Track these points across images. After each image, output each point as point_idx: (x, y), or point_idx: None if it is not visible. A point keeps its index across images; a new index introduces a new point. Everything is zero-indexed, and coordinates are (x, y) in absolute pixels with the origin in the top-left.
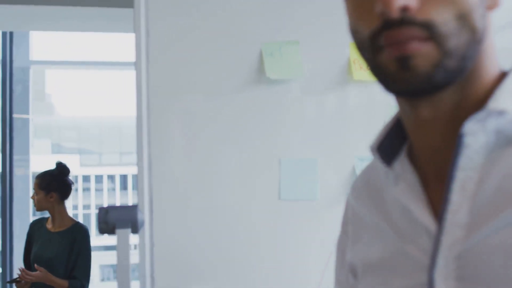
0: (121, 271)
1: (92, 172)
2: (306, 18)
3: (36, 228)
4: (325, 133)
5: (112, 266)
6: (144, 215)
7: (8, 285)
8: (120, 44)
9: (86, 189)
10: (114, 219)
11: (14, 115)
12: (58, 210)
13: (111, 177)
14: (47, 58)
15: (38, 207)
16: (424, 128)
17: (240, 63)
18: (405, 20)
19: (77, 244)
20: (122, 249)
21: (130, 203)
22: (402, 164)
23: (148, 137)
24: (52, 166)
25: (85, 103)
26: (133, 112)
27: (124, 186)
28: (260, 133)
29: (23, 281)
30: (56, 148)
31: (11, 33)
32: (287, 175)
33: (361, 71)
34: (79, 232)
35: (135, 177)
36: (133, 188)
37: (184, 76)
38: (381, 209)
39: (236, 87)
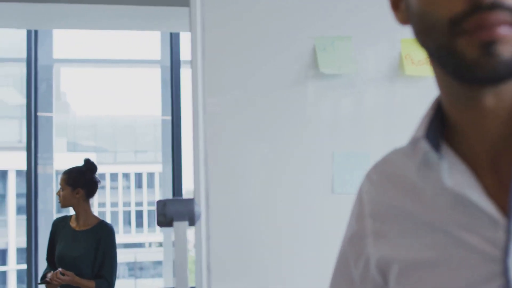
0: (179, 264)
1: (107, 170)
2: (358, 13)
3: (60, 226)
4: (377, 128)
5: (127, 264)
6: (201, 208)
7: (34, 283)
8: (137, 42)
9: (100, 187)
10: (172, 212)
11: (39, 114)
12: (83, 207)
13: (126, 175)
14: (63, 56)
15: (63, 203)
16: (485, 117)
17: (293, 58)
18: (495, 4)
19: (103, 243)
20: (179, 242)
21: (144, 201)
22: (446, 153)
23: (204, 133)
24: (69, 164)
25: (101, 102)
26: (148, 111)
27: (139, 185)
28: (314, 127)
29: (54, 282)
30: (72, 147)
31: (35, 32)
32: (340, 168)
33: (413, 66)
34: (104, 231)
35: (150, 175)
36: (148, 186)
37: (238, 72)
38: (418, 202)
39: (290, 82)
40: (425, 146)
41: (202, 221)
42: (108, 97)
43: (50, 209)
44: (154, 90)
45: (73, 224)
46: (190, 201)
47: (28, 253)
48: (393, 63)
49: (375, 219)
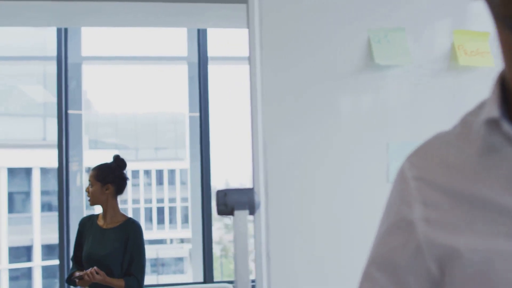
0: (239, 252)
1: (129, 167)
2: (411, 5)
3: (87, 225)
4: (431, 118)
5: (149, 260)
6: (260, 198)
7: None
8: (164, 39)
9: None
10: (232, 201)
11: (69, 111)
12: (111, 204)
13: (147, 172)
14: (90, 54)
15: (93, 200)
16: None
17: (348, 50)
18: None
19: (131, 241)
20: (240, 230)
21: (165, 198)
22: None
23: (263, 125)
24: (92, 161)
25: (122, 99)
26: (170, 108)
27: (160, 181)
28: (369, 117)
29: (86, 279)
30: (93, 144)
31: (65, 30)
32: (395, 158)
33: (466, 56)
34: (132, 228)
35: (170, 172)
36: (168, 183)
37: (294, 65)
38: (488, 186)
39: (345, 73)
40: (507, 127)
41: (261, 211)
42: (130, 94)
43: (81, 205)
44: (178, 87)
45: (100, 222)
46: (250, 191)
47: (60, 249)
48: (446, 53)
49: (427, 205)
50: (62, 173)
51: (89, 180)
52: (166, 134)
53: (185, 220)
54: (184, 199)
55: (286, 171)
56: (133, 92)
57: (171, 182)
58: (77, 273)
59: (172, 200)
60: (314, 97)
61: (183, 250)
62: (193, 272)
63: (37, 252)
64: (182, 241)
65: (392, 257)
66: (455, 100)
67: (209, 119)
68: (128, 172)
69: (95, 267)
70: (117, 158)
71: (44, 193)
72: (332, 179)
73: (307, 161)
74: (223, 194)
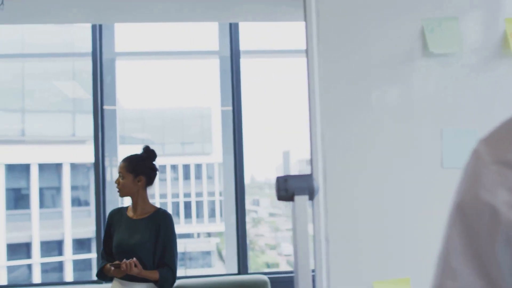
0: (300, 236)
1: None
2: None
3: (116, 217)
4: (484, 104)
5: None
6: (318, 184)
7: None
8: (194, 33)
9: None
10: (293, 187)
11: (105, 107)
12: (142, 196)
13: (174, 167)
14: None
15: (124, 192)
16: None
17: (402, 39)
18: None
19: (162, 231)
20: (300, 215)
21: (192, 193)
22: None
23: (320, 113)
24: (121, 156)
25: (149, 94)
26: (196, 103)
27: (186, 176)
28: (423, 104)
29: (122, 269)
30: (121, 139)
31: (100, 26)
32: (449, 144)
33: None
34: (163, 218)
35: (197, 166)
36: (195, 178)
37: (350, 56)
38: None
39: (400, 61)
40: None
41: (319, 196)
42: (158, 90)
43: (116, 199)
44: (207, 81)
45: (130, 213)
46: (309, 177)
47: (98, 243)
48: (498, 41)
49: (511, 190)
50: (99, 168)
51: (120, 172)
52: (193, 129)
53: (212, 214)
54: (211, 194)
55: (342, 158)
56: (161, 87)
57: (198, 176)
58: (108, 265)
59: (199, 194)
60: (369, 85)
61: (210, 244)
62: (226, 264)
63: (68, 246)
64: (209, 235)
65: (475, 247)
66: (508, 86)
67: (241, 113)
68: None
69: (134, 259)
70: (147, 149)
71: (74, 188)
72: (387, 164)
73: (362, 148)
74: (283, 180)
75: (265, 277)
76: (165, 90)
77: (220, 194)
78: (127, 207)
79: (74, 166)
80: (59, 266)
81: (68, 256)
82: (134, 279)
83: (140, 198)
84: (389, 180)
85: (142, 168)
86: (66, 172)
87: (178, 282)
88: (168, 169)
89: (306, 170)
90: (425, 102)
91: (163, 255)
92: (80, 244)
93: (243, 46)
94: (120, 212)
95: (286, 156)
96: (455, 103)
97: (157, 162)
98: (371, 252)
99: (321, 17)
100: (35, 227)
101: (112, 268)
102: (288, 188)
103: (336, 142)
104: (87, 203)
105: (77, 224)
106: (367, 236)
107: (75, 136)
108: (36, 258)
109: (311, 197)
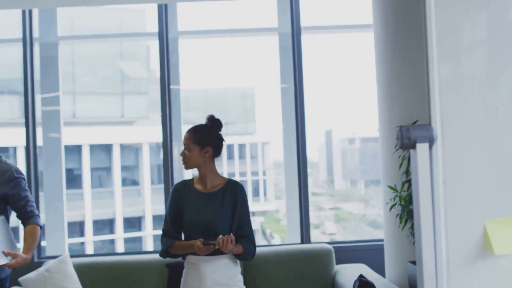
0: (421, 181)
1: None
2: None
3: (183, 191)
4: None
5: None
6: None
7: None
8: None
9: None
10: (415, 135)
11: (172, 87)
12: (210, 167)
13: None
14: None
15: (190, 164)
16: None
17: None
18: None
19: (239, 202)
20: (422, 161)
21: (236, 172)
22: None
23: (438, 68)
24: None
25: (193, 75)
26: (239, 83)
27: (230, 156)
28: None
29: (216, 247)
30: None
31: (165, 6)
32: None
33: None
34: (238, 189)
35: (241, 146)
36: (239, 157)
37: (467, 20)
38: None
39: None
40: None
41: (437, 144)
42: (202, 70)
43: (181, 176)
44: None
45: (198, 186)
46: (429, 127)
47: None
48: None
49: None
50: (167, 147)
51: (185, 144)
52: (235, 109)
53: (256, 193)
54: (255, 173)
55: (459, 108)
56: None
57: (242, 156)
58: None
59: (242, 174)
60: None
61: (254, 223)
62: (288, 236)
63: (119, 225)
64: (253, 214)
65: None
66: None
67: (303, 90)
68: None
69: (231, 235)
70: (212, 119)
71: (124, 168)
72: (505, 116)
73: (479, 97)
74: (406, 130)
75: (329, 246)
76: (209, 70)
77: (264, 174)
78: (192, 179)
79: (124, 147)
80: (111, 245)
81: (120, 234)
82: (215, 254)
83: (208, 170)
84: (507, 126)
85: (208, 138)
86: (116, 152)
87: None
88: None
89: (348, 150)
90: None
91: (241, 227)
92: (130, 223)
93: (304, 22)
94: (186, 185)
95: (328, 135)
96: None
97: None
98: (484, 194)
99: None
100: (88, 206)
101: (201, 245)
102: (411, 137)
103: (453, 94)
104: (136, 183)
105: (128, 203)
106: (481, 178)
107: (124, 118)
108: (89, 236)
109: (431, 145)
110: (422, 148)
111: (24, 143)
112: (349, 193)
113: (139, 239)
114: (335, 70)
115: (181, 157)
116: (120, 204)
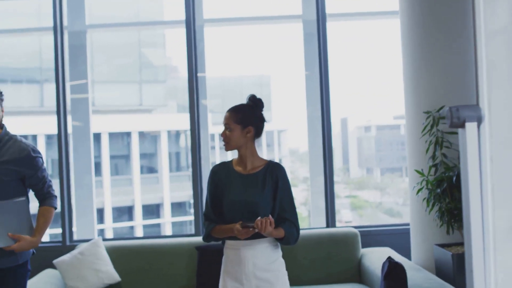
0: (470, 158)
1: (217, 130)
2: None
3: (222, 173)
4: None
5: None
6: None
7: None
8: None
9: (212, 148)
10: (464, 115)
11: (199, 74)
12: (251, 148)
13: None
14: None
15: (231, 145)
16: None
17: None
18: None
19: (281, 184)
20: (471, 139)
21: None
22: None
23: (485, 49)
24: (178, 125)
25: (208, 63)
26: (254, 70)
27: None
28: None
29: (256, 230)
30: (182, 108)
31: None
32: None
33: None
34: (279, 171)
35: None
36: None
37: None
38: None
39: None
40: None
41: (485, 123)
42: (217, 58)
43: (208, 165)
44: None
45: (238, 168)
46: (477, 107)
47: (196, 206)
48: None
49: None
50: (195, 134)
51: (226, 124)
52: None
53: None
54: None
55: (506, 89)
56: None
57: (258, 144)
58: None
59: None
60: None
61: None
62: (312, 220)
63: (138, 212)
64: None
65: None
66: None
67: (328, 77)
68: (215, 135)
69: (270, 217)
70: (253, 98)
71: (142, 156)
72: None
73: None
74: (455, 109)
75: (355, 230)
76: (226, 58)
77: (280, 161)
78: (231, 161)
79: (142, 135)
80: (130, 231)
81: (139, 221)
82: (255, 238)
83: (249, 151)
84: None
85: (250, 118)
86: (134, 140)
87: None
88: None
89: (364, 138)
90: None
91: (283, 210)
92: (149, 210)
93: (329, 9)
94: (225, 167)
95: (343, 123)
96: None
97: (218, 131)
98: None
99: None
100: (107, 194)
101: (240, 228)
102: (460, 116)
103: (499, 77)
104: (154, 170)
105: (146, 190)
106: None
107: (142, 106)
108: (108, 223)
109: (479, 124)
110: (470, 127)
111: (45, 131)
112: (365, 181)
113: (157, 226)
114: (353, 58)
115: (218, 140)
116: (139, 191)
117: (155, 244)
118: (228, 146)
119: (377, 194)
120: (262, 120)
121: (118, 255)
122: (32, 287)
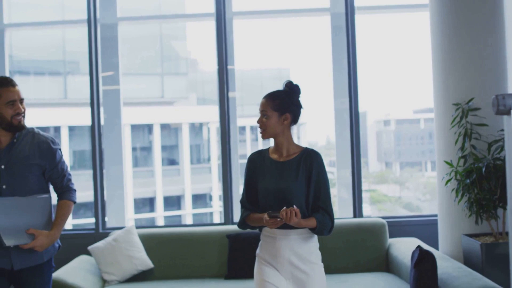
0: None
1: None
2: None
3: (258, 161)
4: None
5: None
6: None
7: (231, 223)
8: None
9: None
10: (510, 103)
11: (229, 67)
12: (287, 136)
13: (253, 128)
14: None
15: (268, 132)
16: None
17: None
18: None
19: (316, 171)
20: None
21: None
22: None
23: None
24: (199, 117)
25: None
26: (273, 64)
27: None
28: None
29: (283, 221)
30: (201, 101)
31: None
32: None
33: None
34: (314, 158)
35: None
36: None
37: None
38: None
39: None
40: None
41: None
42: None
43: (237, 156)
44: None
45: (274, 155)
46: None
47: (225, 197)
48: None
49: None
50: (225, 127)
51: (263, 111)
52: (270, 90)
53: None
54: None
55: None
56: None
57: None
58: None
59: None
60: None
61: None
62: (339, 210)
63: (159, 203)
64: None
65: None
66: None
67: (357, 70)
68: (235, 128)
69: (294, 207)
70: (290, 84)
71: (164, 148)
72: None
73: None
74: (502, 97)
75: (383, 220)
76: (248, 51)
77: None
78: (267, 149)
79: (164, 127)
80: (151, 222)
81: (160, 212)
82: (290, 227)
83: (285, 138)
84: None
85: (288, 105)
86: (156, 132)
87: None
88: (248, 130)
89: (383, 132)
90: None
91: (317, 198)
92: (170, 201)
93: (358, 2)
94: (261, 155)
95: (363, 117)
96: None
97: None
98: None
99: None
100: (129, 185)
101: (268, 218)
102: (506, 104)
103: None
104: (175, 162)
105: (168, 182)
106: None
107: (164, 98)
108: (130, 214)
109: None
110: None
111: (69, 123)
112: (384, 175)
113: (178, 218)
114: (377, 51)
115: (254, 128)
116: (161, 183)
117: (185, 232)
118: (265, 134)
119: (396, 188)
120: (299, 107)
121: (150, 243)
122: (68, 272)
